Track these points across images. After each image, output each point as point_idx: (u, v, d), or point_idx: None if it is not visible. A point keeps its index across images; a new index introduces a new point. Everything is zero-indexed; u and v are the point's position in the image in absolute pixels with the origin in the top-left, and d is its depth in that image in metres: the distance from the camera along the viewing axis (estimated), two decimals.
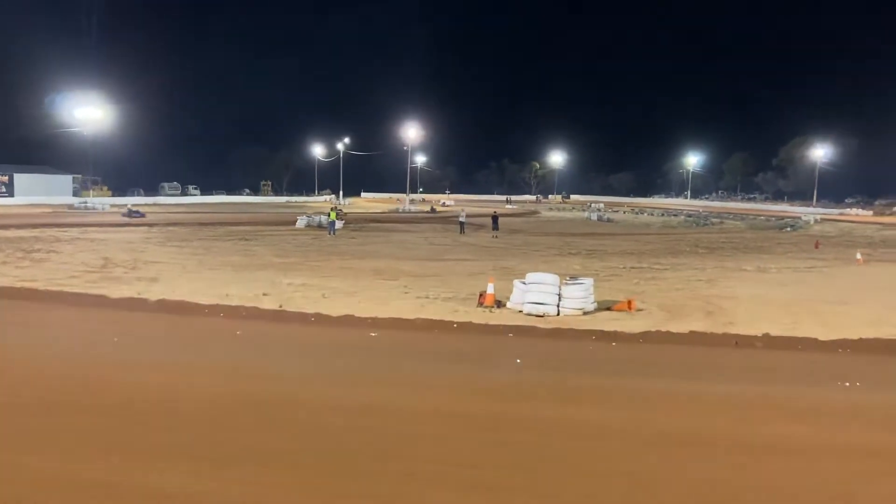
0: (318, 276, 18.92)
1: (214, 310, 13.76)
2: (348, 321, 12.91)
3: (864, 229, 50.37)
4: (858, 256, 26.32)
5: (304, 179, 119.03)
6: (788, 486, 5.90)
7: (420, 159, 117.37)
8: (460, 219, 40.72)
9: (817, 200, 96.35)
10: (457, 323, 12.77)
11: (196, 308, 13.90)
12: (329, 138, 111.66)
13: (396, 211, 68.48)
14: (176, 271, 19.27)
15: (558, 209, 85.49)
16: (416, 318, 13.09)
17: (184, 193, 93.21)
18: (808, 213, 70.01)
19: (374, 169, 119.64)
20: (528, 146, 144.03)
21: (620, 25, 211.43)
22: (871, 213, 79.05)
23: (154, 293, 15.30)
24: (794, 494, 5.73)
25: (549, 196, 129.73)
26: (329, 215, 38.11)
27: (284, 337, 12.10)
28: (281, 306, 14.08)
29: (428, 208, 71.52)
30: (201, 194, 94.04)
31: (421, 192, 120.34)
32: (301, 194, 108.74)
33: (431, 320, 12.95)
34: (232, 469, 6.07)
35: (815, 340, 11.71)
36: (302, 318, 13.19)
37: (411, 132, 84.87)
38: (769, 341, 11.71)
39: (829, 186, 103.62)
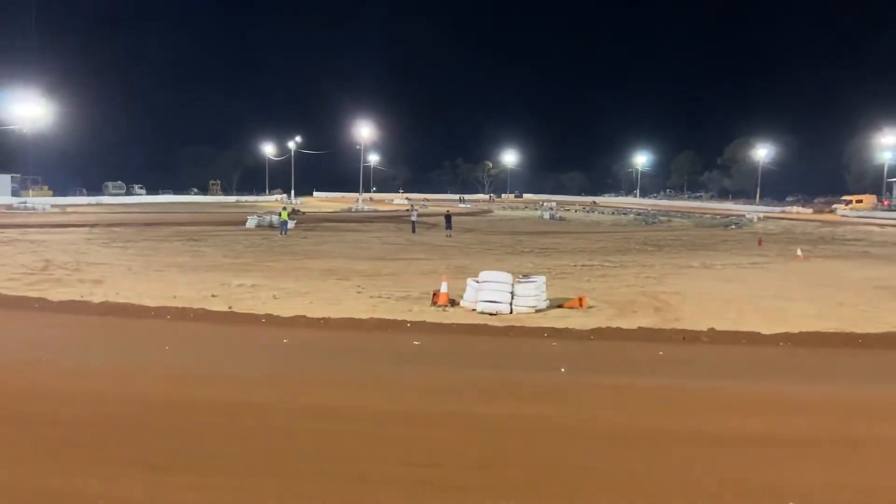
0: (269, 276, 18.64)
1: (161, 312, 13.42)
2: (300, 322, 12.75)
3: (805, 226, 52.25)
4: (799, 253, 27.28)
5: (254, 179, 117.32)
6: (732, 474, 6.05)
7: (373, 158, 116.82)
8: (412, 218, 40.68)
9: (760, 199, 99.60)
10: (410, 322, 12.73)
11: (142, 310, 13.53)
12: (280, 137, 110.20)
13: (350, 210, 68.02)
14: (121, 273, 18.72)
15: (511, 208, 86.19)
16: (370, 318, 13.02)
17: (129, 193, 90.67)
18: (752, 211, 72.25)
19: (326, 168, 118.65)
20: (481, 145, 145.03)
21: (571, 27, 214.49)
22: (811, 210, 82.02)
23: (98, 295, 14.83)
24: (741, 481, 5.89)
25: (503, 195, 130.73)
26: (280, 215, 37.65)
27: (234, 339, 11.86)
28: (230, 308, 13.82)
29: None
30: (147, 194, 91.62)
31: (374, 192, 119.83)
32: (251, 194, 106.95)
33: (385, 320, 12.89)
34: (178, 476, 5.91)
35: (758, 334, 12.07)
36: (252, 319, 12.97)
37: (364, 131, 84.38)
38: (715, 336, 12.02)
39: (772, 185, 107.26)
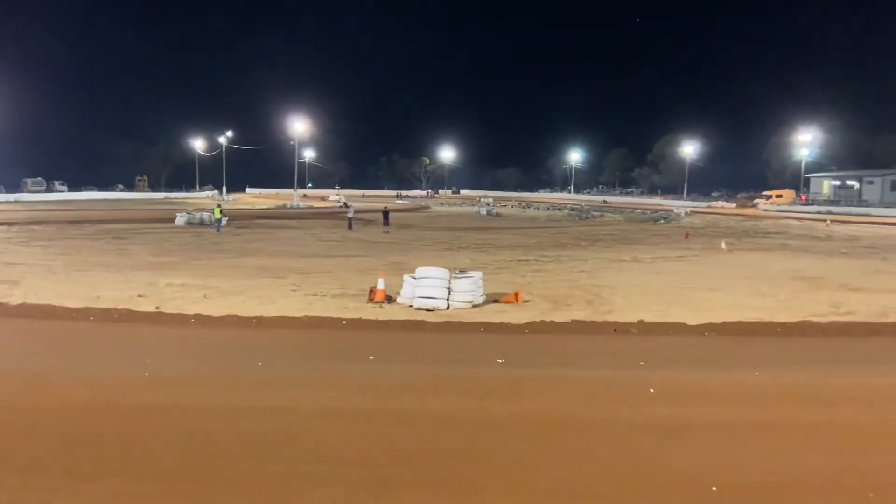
0: (200, 275, 18.12)
1: (84, 313, 12.86)
2: (231, 321, 12.45)
3: (729, 220, 54.38)
4: (723, 246, 28.37)
5: (184, 175, 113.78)
6: (659, 461, 6.24)
7: (309, 154, 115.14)
8: (349, 214, 40.32)
9: (687, 194, 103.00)
10: (346, 320, 12.61)
11: (63, 312, 12.94)
12: (211, 132, 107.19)
13: (284, 207, 66.84)
14: (41, 273, 17.84)
15: (449, 204, 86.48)
16: (304, 315, 12.82)
17: (49, 190, 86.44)
18: (679, 205, 74.75)
19: (260, 164, 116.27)
20: (418, 141, 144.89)
21: (506, 24, 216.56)
22: (734, 205, 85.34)
23: (15, 297, 14.10)
24: (668, 467, 6.08)
25: (440, 191, 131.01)
26: (214, 212, 36.84)
27: (161, 340, 11.49)
28: (158, 308, 13.37)
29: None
30: (69, 191, 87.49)
31: (310, 188, 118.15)
32: (181, 190, 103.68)
33: (320, 318, 12.72)
34: (98, 482, 5.68)
35: (685, 325, 12.50)
36: (181, 319, 12.58)
37: (298, 126, 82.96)
38: (644, 327, 12.38)
39: (698, 181, 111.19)
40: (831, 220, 50.73)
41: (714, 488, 5.58)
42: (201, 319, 12.55)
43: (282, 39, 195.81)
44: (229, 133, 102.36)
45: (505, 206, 77.68)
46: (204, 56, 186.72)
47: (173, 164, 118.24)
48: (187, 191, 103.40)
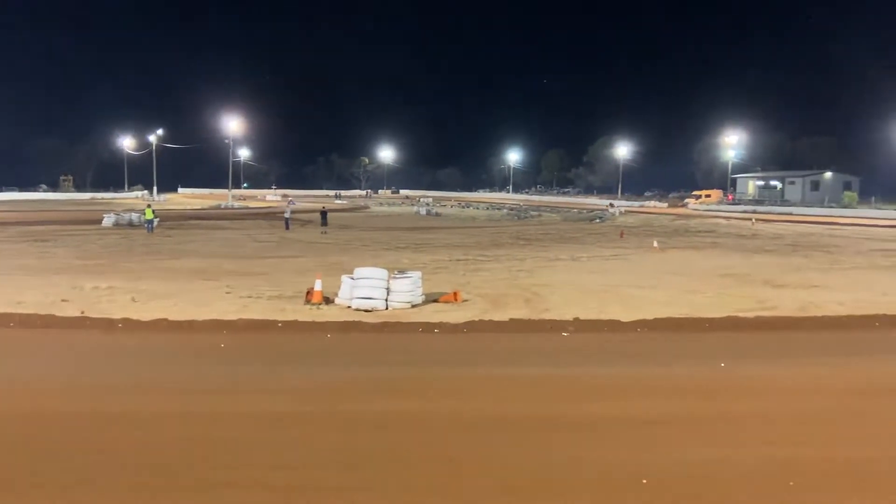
0: (129, 278, 17.48)
1: (3, 319, 12.22)
2: (161, 326, 12.05)
3: (661, 220, 56.01)
4: (655, 244, 29.20)
5: (111, 174, 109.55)
6: (592, 456, 6.36)
7: (244, 153, 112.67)
8: (286, 215, 39.68)
9: (622, 194, 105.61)
10: (282, 322, 12.38)
11: None
12: (141, 130, 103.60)
13: (219, 207, 65.22)
14: None
15: (388, 204, 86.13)
16: (238, 318, 12.52)
17: None
18: (615, 205, 76.51)
19: (193, 164, 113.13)
20: (357, 141, 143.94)
21: (447, 23, 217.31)
22: (666, 204, 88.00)
23: None
24: (599, 462, 6.19)
25: (380, 191, 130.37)
26: (145, 213, 35.72)
27: (85, 346, 11.02)
28: (83, 312, 12.82)
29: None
30: None
31: (246, 188, 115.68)
32: (108, 190, 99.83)
33: (255, 320, 12.45)
34: (25, 497, 5.39)
35: (619, 322, 12.78)
36: (107, 324, 12.09)
37: (233, 125, 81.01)
38: (579, 325, 12.60)
39: (632, 181, 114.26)
40: (756, 219, 52.90)
41: (644, 481, 5.72)
42: (129, 324, 12.10)
43: (215, 37, 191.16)
44: (160, 131, 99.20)
45: (444, 205, 77.91)
46: (133, 52, 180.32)
47: (100, 163, 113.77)
48: (115, 191, 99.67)
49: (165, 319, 12.35)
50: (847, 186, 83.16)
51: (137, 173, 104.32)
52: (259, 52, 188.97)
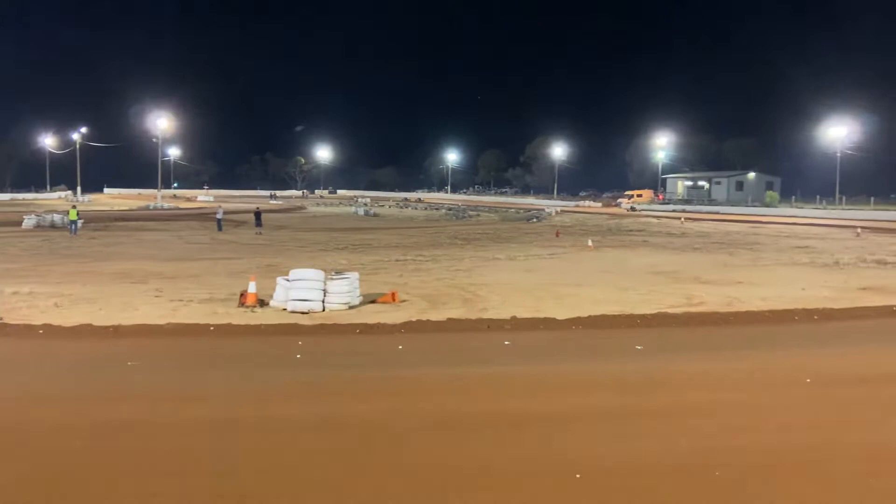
0: (51, 282, 16.71)
1: None
2: (85, 331, 11.54)
3: (596, 219, 57.32)
4: (590, 243, 29.85)
5: (32, 174, 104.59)
6: (527, 452, 6.42)
7: (174, 152, 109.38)
8: (217, 216, 38.71)
9: (557, 194, 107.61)
10: (214, 326, 12.06)
11: None
12: (64, 128, 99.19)
13: (147, 208, 63.07)
14: None
15: (325, 204, 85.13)
16: (167, 323, 12.13)
17: None
18: (550, 205, 77.86)
19: (120, 163, 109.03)
20: (292, 140, 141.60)
21: (382, 21, 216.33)
22: (600, 204, 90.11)
23: None
24: (529, 458, 6.26)
25: (316, 191, 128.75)
26: (69, 214, 34.24)
27: (4, 354, 10.45)
28: (1, 319, 12.16)
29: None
30: None
31: (176, 188, 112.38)
32: (30, 191, 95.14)
33: (185, 325, 12.08)
34: None
35: (555, 320, 12.99)
36: (27, 330, 11.50)
37: (161, 123, 78.42)
38: (517, 323, 12.74)
39: (568, 181, 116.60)
40: (685, 218, 54.80)
41: (578, 475, 5.81)
42: (51, 330, 11.55)
43: (145, 32, 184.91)
44: (84, 129, 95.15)
45: (383, 206, 77.58)
46: (57, 48, 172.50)
47: (20, 163, 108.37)
48: (37, 191, 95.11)
49: (90, 325, 11.84)
50: (769, 186, 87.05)
51: (60, 173, 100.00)
52: (191, 49, 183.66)
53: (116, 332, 11.59)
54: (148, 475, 5.86)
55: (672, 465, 6.14)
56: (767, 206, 72.43)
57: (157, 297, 14.86)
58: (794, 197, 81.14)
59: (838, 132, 75.33)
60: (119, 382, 8.94)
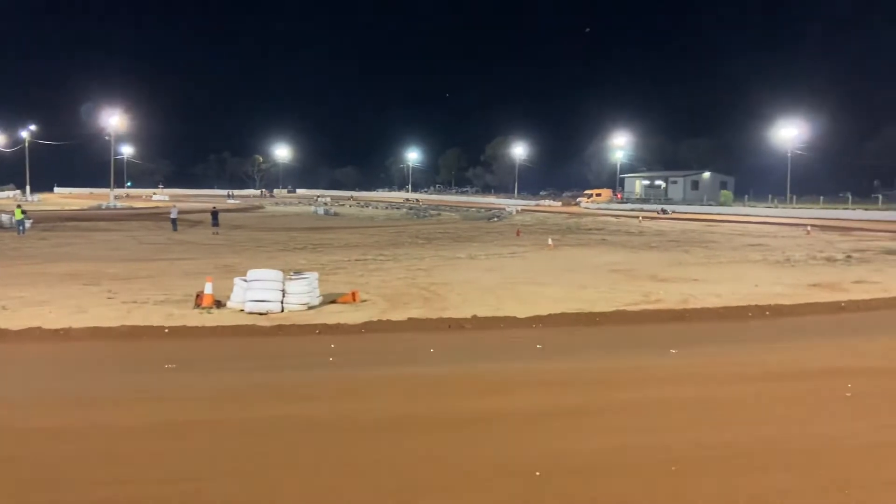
0: None
1: None
2: (34, 335, 11.17)
3: (555, 218, 57.86)
4: (550, 242, 30.09)
5: None
6: (482, 451, 6.45)
7: (127, 151, 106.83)
8: (172, 215, 37.93)
9: (518, 193, 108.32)
10: (169, 328, 11.79)
11: None
12: (12, 125, 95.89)
13: (99, 207, 61.42)
14: None
15: (284, 204, 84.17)
16: (121, 325, 11.81)
17: None
18: (511, 204, 78.39)
19: (71, 161, 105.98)
20: (250, 139, 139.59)
21: (338, 20, 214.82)
22: (560, 203, 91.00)
23: None
24: (489, 456, 6.28)
25: (275, 190, 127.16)
26: (15, 213, 33.14)
27: None
28: None
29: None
30: None
31: (129, 187, 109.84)
32: None
33: (139, 327, 11.78)
34: None
35: (515, 318, 13.06)
36: None
37: (115, 120, 76.46)
38: (477, 322, 12.77)
39: (528, 180, 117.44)
40: (643, 217, 55.69)
41: (537, 473, 5.85)
42: None
43: (98, 27, 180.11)
44: (33, 126, 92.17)
45: (343, 205, 77.05)
46: (5, 42, 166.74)
47: None
48: None
49: (39, 328, 11.46)
50: (723, 186, 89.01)
51: (9, 172, 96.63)
52: (147, 45, 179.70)
53: (67, 334, 11.25)
54: (101, 480, 5.70)
55: (631, 461, 6.22)
56: (722, 205, 74.05)
57: (109, 298, 14.47)
58: (747, 196, 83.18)
59: (789, 133, 77.59)
60: (71, 386, 8.67)
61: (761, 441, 6.77)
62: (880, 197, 71.23)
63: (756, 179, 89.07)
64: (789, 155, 77.04)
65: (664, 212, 63.13)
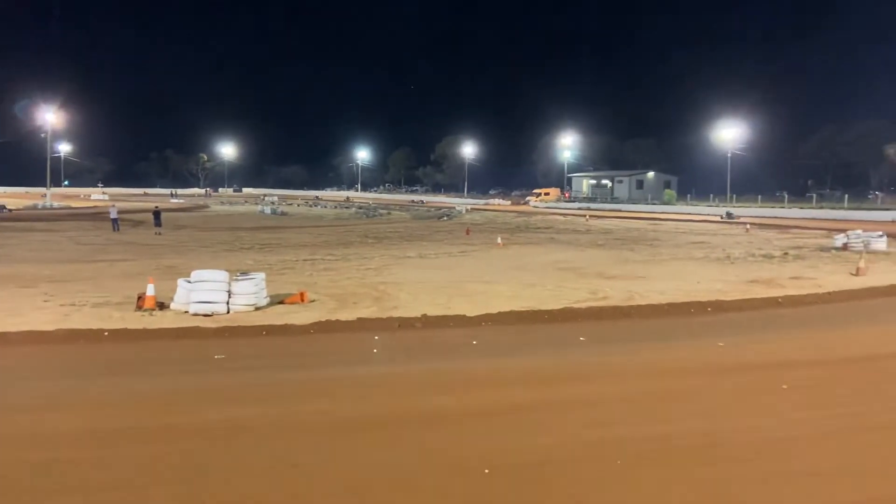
0: None
1: None
2: None
3: (505, 217, 58.33)
4: (499, 241, 30.32)
5: None
6: (436, 449, 6.46)
7: (64, 148, 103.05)
8: (112, 215, 36.76)
9: (468, 192, 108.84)
10: (108, 331, 11.41)
11: None
12: None
13: (35, 207, 59.07)
14: None
15: (230, 203, 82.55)
16: (58, 329, 11.38)
17: None
18: (461, 203, 78.68)
19: (4, 160, 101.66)
20: (194, 136, 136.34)
21: (287, 18, 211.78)
22: (509, 202, 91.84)
23: None
24: (439, 455, 6.29)
25: (220, 189, 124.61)
26: None
27: None
28: None
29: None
30: None
31: (67, 186, 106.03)
32: None
33: (77, 330, 11.37)
34: None
35: (465, 317, 13.10)
36: None
37: (51, 117, 73.62)
38: (427, 321, 12.76)
39: (477, 179, 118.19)
40: (590, 216, 56.67)
41: (486, 471, 5.88)
42: None
43: (32, 20, 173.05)
44: None
45: (291, 204, 76.02)
46: None
47: None
48: None
49: None
50: (667, 185, 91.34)
51: None
52: (85, 39, 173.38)
53: (2, 339, 10.77)
54: (43, 490, 5.48)
55: (577, 456, 6.32)
56: (665, 203, 75.96)
57: (46, 301, 13.93)
58: (689, 195, 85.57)
59: (729, 134, 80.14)
60: (5, 393, 8.31)
61: (703, 434, 6.97)
62: (814, 196, 74.28)
63: (698, 179, 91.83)
64: (729, 155, 79.60)
65: (729, 216, 51.29)
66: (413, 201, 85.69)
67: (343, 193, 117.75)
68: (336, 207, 71.27)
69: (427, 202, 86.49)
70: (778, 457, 6.34)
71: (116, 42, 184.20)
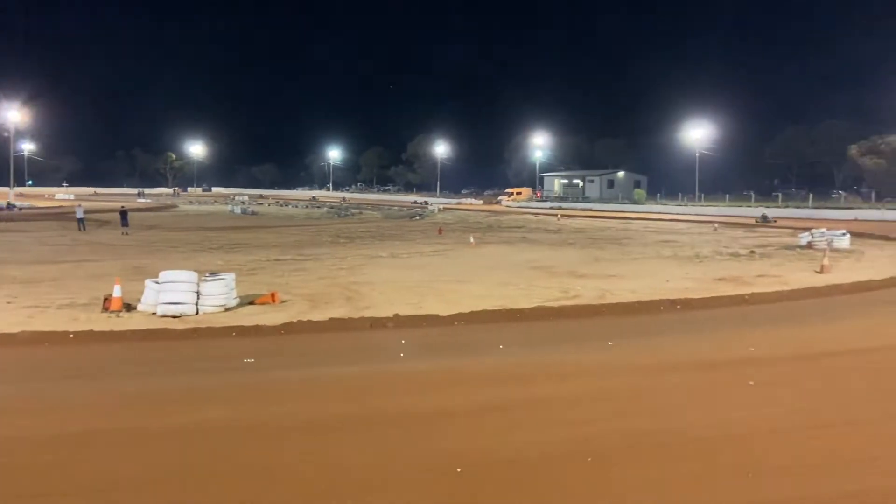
0: None
1: None
2: None
3: (477, 216, 58.48)
4: (471, 240, 30.38)
5: None
6: (409, 449, 6.45)
7: (28, 147, 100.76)
8: (78, 215, 36.03)
9: (440, 192, 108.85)
10: (74, 333, 11.18)
11: None
12: None
13: (2, 209, 57.60)
14: None
15: (199, 203, 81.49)
16: (21, 331, 11.11)
17: None
18: (433, 202, 78.64)
19: None
20: (162, 135, 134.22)
21: (257, 18, 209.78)
22: (481, 202, 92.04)
23: None
24: (411, 455, 6.30)
25: (189, 189, 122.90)
26: None
27: None
28: None
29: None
30: None
31: (30, 185, 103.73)
32: None
33: (41, 332, 11.12)
34: None
35: (437, 316, 13.09)
36: None
37: (14, 115, 71.88)
38: (399, 321, 12.73)
39: (450, 179, 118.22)
40: (561, 215, 57.07)
41: (459, 470, 5.88)
42: None
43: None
44: None
45: (262, 204, 75.30)
46: None
47: None
48: None
49: None
50: (637, 184, 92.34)
51: None
52: (51, 33, 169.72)
53: None
54: (8, 494, 5.35)
55: (548, 454, 6.35)
56: (636, 203, 76.79)
57: (9, 303, 13.61)
58: (659, 194, 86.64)
59: (697, 134, 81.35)
60: None
61: (671, 430, 7.06)
62: (780, 195, 75.78)
63: (667, 178, 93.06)
64: (697, 155, 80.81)
65: (765, 219, 47.85)
66: (415, 202, 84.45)
67: (309, 193, 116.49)
68: (307, 207, 70.74)
69: (420, 202, 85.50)
70: (741, 453, 6.45)
71: (81, 38, 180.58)
